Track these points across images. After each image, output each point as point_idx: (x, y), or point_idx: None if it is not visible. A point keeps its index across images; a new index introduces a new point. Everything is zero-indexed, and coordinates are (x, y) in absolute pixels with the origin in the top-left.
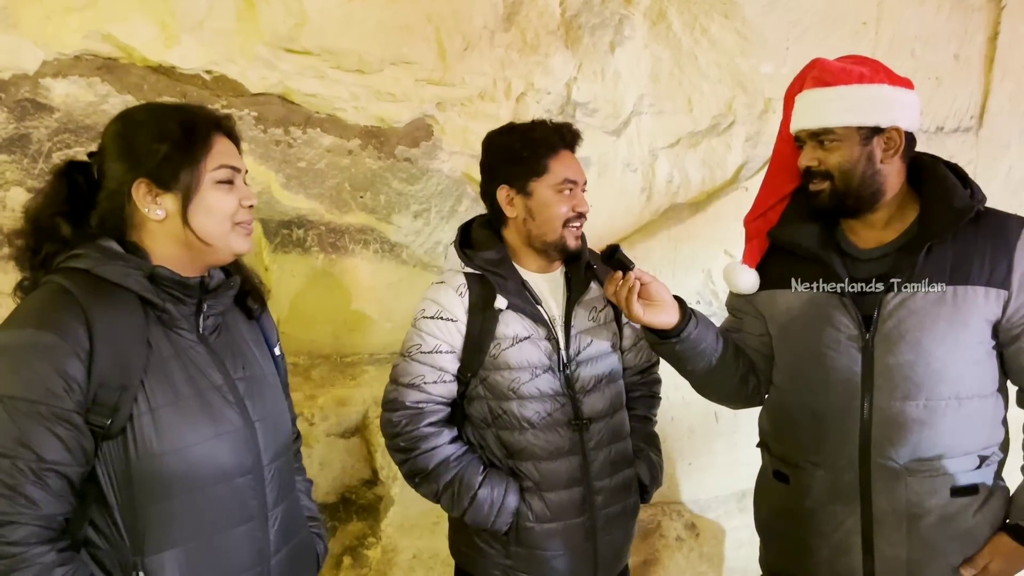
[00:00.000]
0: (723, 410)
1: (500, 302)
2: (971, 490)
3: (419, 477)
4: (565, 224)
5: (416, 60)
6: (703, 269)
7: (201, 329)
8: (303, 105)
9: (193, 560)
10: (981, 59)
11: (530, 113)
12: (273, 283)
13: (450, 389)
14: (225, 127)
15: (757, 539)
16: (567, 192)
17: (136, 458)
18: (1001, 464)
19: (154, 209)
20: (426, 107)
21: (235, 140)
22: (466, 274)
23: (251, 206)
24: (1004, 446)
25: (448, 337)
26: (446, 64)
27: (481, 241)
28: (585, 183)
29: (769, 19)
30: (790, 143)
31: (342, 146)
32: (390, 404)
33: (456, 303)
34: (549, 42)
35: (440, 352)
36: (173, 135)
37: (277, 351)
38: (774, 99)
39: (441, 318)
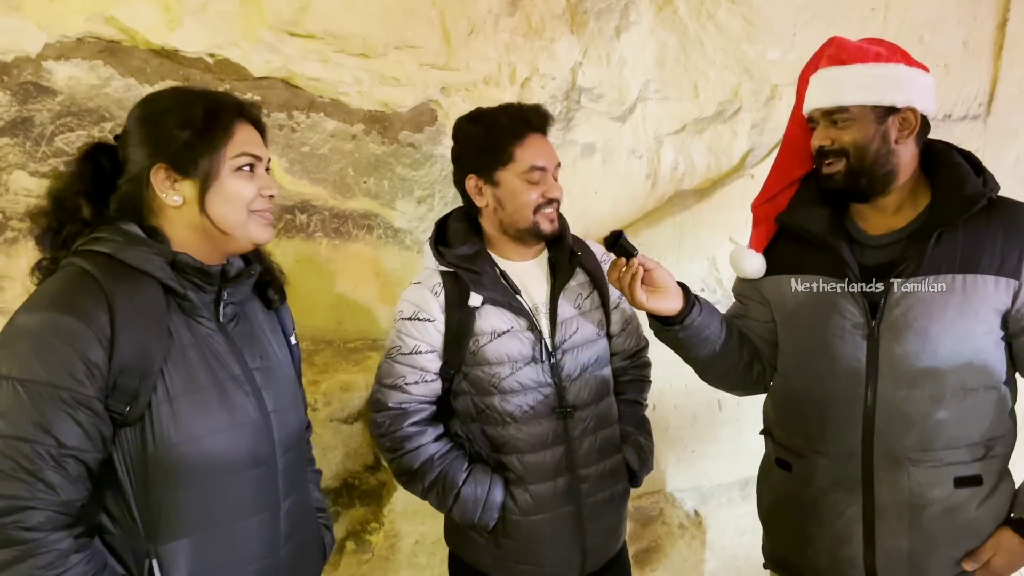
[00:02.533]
0: (726, 398)
1: (474, 299)
2: (975, 481)
3: (405, 476)
4: (536, 210)
5: (420, 44)
6: (708, 256)
7: (220, 317)
8: (306, 89)
9: (205, 549)
10: (990, 46)
11: (535, 98)
12: None
13: (432, 388)
14: (249, 115)
15: (760, 527)
16: (535, 179)
17: (153, 446)
18: (1007, 456)
19: (172, 195)
20: (430, 92)
21: (260, 128)
22: (441, 272)
23: (271, 196)
24: (1010, 438)
25: (427, 337)
26: (451, 48)
27: (455, 236)
28: (558, 166)
29: (776, 4)
30: (802, 126)
31: (346, 131)
32: (375, 405)
33: (432, 303)
34: (554, 27)
35: (420, 352)
36: (195, 122)
37: (293, 340)
38: (781, 85)
39: (418, 319)
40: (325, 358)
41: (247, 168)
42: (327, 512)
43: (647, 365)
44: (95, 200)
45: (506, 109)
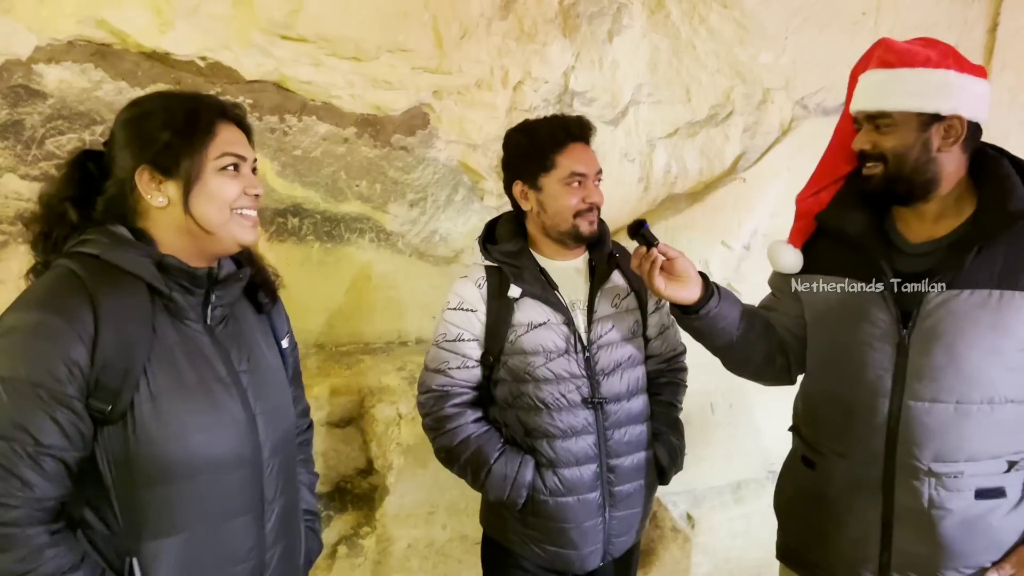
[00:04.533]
0: (719, 401)
1: (513, 291)
2: (998, 493)
3: (444, 453)
4: (576, 215)
5: (413, 48)
6: (700, 260)
7: (208, 320)
8: (299, 92)
9: (188, 549)
10: (981, 50)
11: (527, 102)
12: None
13: (473, 374)
14: (233, 115)
15: (752, 530)
16: (576, 185)
17: (136, 443)
18: None
19: (156, 196)
20: (423, 95)
21: (245, 129)
22: (486, 267)
23: (257, 195)
24: None
25: (469, 326)
26: (443, 52)
27: (503, 235)
28: (599, 173)
29: (768, 8)
30: (852, 123)
31: (338, 134)
32: (420, 387)
33: (475, 294)
34: (547, 31)
35: (462, 340)
36: (176, 122)
37: (285, 344)
38: (773, 89)
39: (462, 308)
40: (317, 362)
41: (231, 168)
42: (317, 516)
43: (683, 369)
44: (82, 205)
45: (550, 120)
